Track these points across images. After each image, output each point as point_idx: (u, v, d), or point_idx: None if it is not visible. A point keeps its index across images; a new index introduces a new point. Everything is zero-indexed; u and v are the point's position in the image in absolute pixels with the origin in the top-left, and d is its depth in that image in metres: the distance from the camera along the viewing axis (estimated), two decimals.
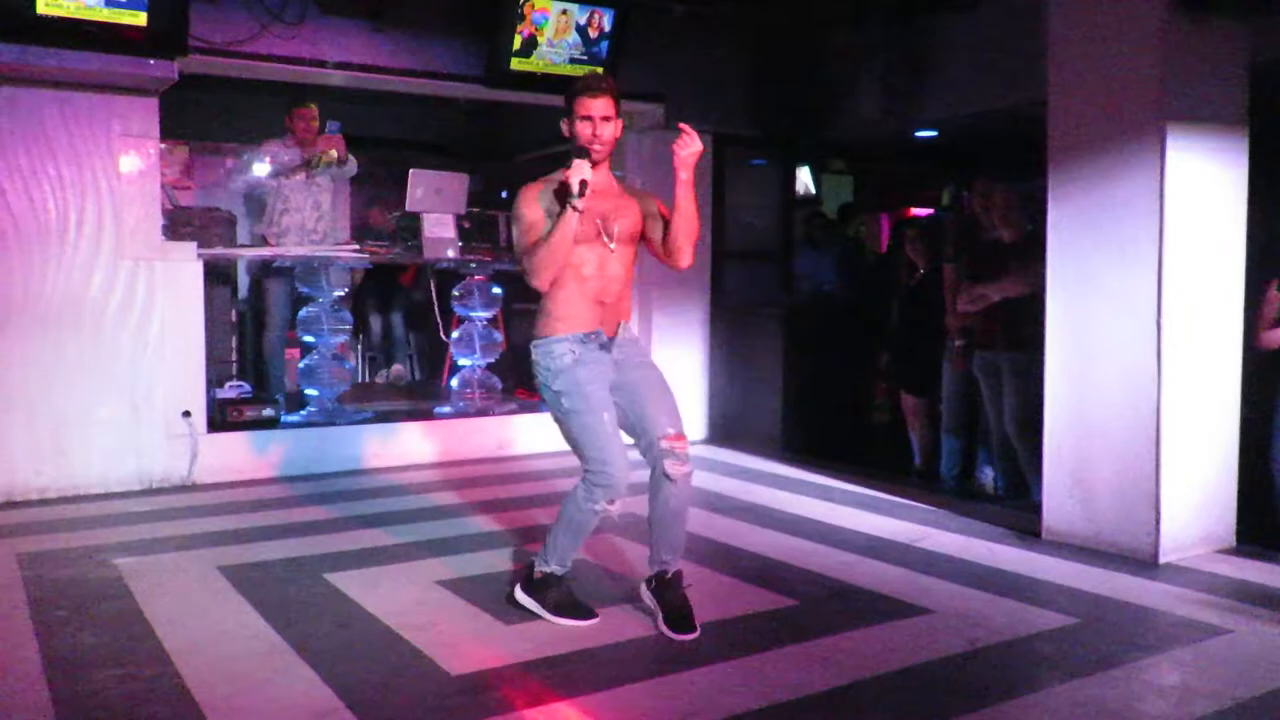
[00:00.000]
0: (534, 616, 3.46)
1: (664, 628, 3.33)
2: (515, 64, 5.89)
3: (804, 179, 8.68)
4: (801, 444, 6.60)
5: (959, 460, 5.76)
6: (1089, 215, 4.25)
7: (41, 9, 4.68)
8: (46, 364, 5.17)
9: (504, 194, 8.78)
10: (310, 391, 6.25)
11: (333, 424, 6.10)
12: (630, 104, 6.60)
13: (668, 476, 3.30)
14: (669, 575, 3.41)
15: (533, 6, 5.83)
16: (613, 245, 3.34)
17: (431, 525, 4.69)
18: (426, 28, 5.82)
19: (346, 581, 3.83)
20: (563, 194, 3.26)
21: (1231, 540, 4.29)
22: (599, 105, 3.28)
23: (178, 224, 5.85)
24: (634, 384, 3.39)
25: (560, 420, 3.36)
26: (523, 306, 7.82)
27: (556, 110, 6.65)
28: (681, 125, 3.35)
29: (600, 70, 6.06)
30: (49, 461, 5.17)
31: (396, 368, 8.15)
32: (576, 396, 3.29)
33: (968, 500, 5.23)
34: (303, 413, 6.20)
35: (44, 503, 5.08)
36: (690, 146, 3.31)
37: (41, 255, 5.17)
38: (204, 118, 7.56)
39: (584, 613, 3.43)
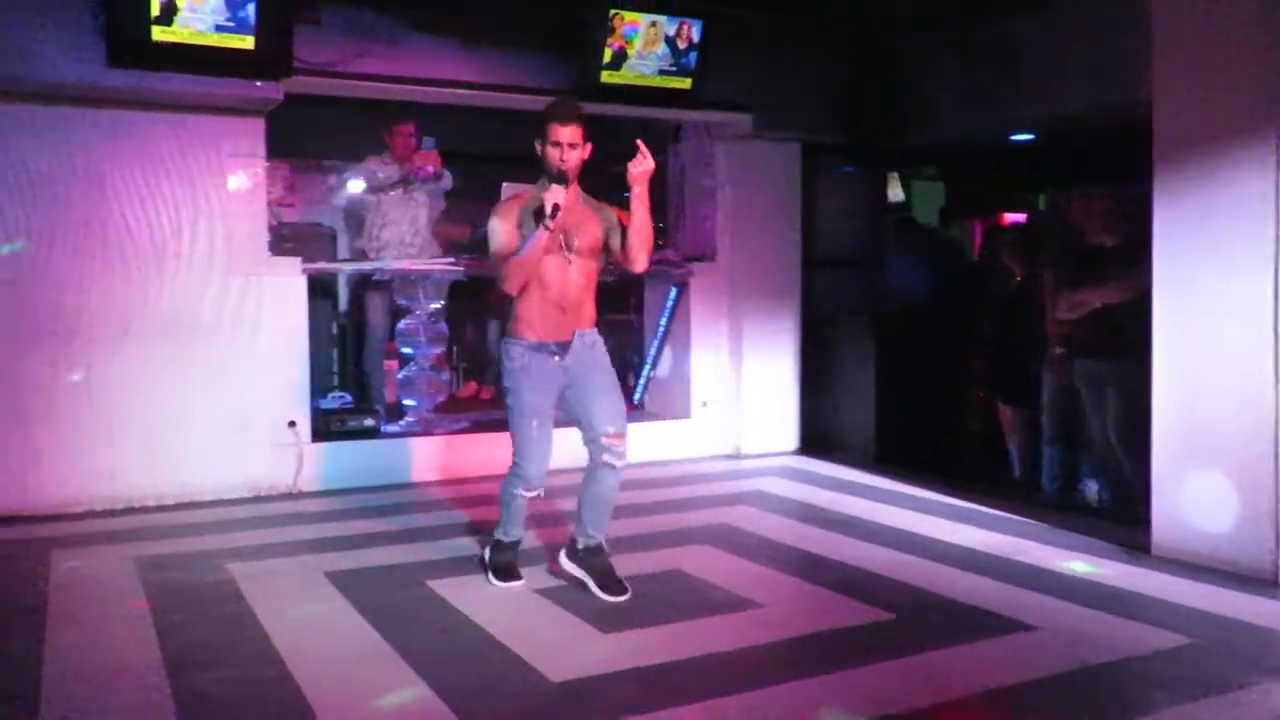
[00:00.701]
0: (626, 626, 3.49)
1: (598, 592, 3.77)
2: (606, 77, 5.95)
3: (894, 186, 8.57)
4: (894, 455, 6.51)
5: (1060, 472, 5.62)
6: (1197, 218, 4.11)
7: (157, 36, 4.90)
8: (162, 375, 5.39)
9: None
10: (408, 402, 6.39)
11: (430, 433, 6.23)
12: (718, 114, 6.62)
13: (607, 465, 3.81)
14: (595, 544, 3.86)
15: (622, 19, 5.88)
16: (570, 257, 3.73)
17: (528, 533, 4.74)
18: (518, 44, 5.92)
19: (447, 588, 3.92)
20: (538, 213, 3.64)
21: None
22: (568, 133, 3.68)
23: (282, 240, 6.05)
24: (586, 386, 3.81)
25: (507, 410, 3.85)
26: (615, 317, 7.88)
27: (646, 121, 6.75)
28: (638, 142, 3.73)
29: (689, 80, 6.10)
30: (164, 469, 5.39)
31: (470, 384, 8.24)
32: (515, 397, 3.79)
33: (1070, 513, 5.09)
34: (401, 423, 6.35)
35: (160, 509, 5.29)
36: (642, 165, 3.66)
37: (157, 272, 5.40)
38: (305, 136, 7.79)
39: (512, 576, 3.96)
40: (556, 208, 3.59)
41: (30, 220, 5.13)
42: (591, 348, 3.85)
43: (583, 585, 3.84)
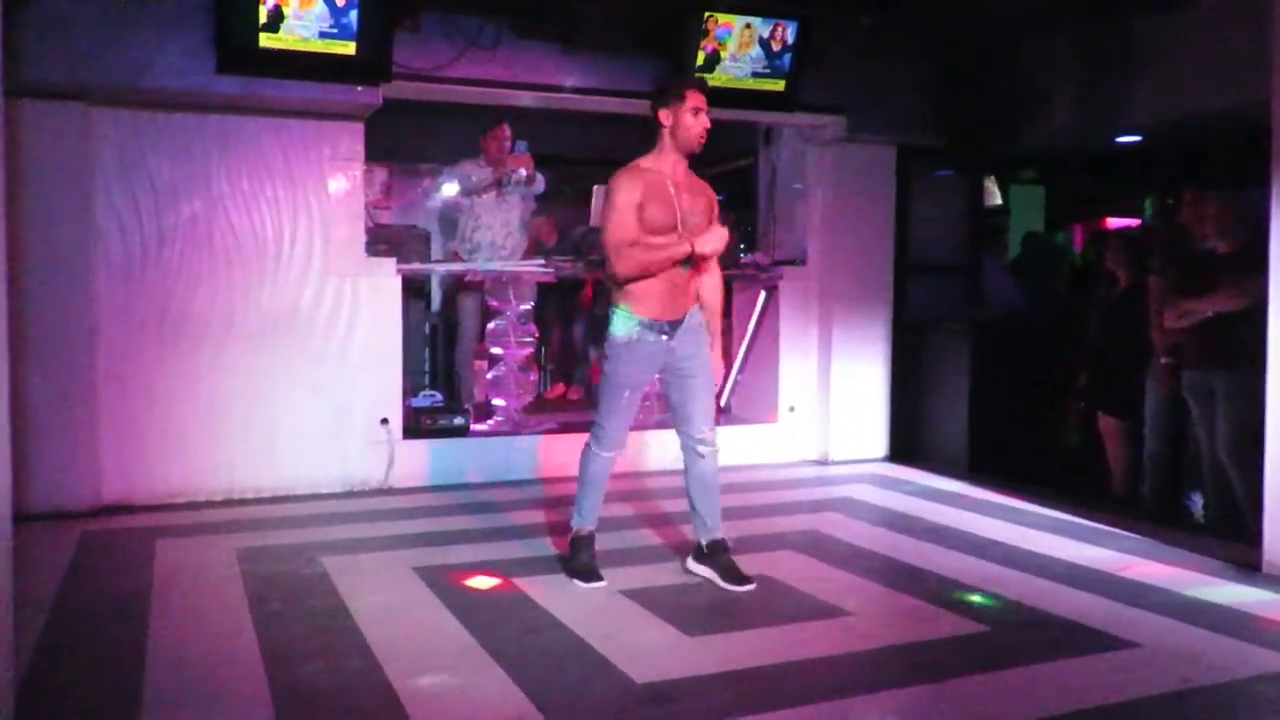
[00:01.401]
0: (714, 629, 3.47)
1: (725, 585, 3.86)
2: None
3: (992, 191, 8.37)
4: (988, 464, 6.34)
5: (1163, 486, 5.41)
6: None
7: (264, 43, 5.06)
8: (262, 372, 5.56)
9: None
10: (497, 401, 6.47)
11: (518, 433, 6.30)
12: (811, 116, 6.55)
13: (699, 454, 3.94)
14: (716, 540, 3.96)
15: (716, 22, 5.86)
16: (683, 234, 3.74)
17: (613, 535, 4.74)
18: (614, 48, 5.95)
19: (532, 586, 3.95)
20: (664, 180, 3.75)
21: None
22: (705, 101, 3.74)
23: (378, 241, 6.19)
24: (686, 376, 3.89)
25: (602, 374, 3.95)
26: None
27: (736, 124, 6.72)
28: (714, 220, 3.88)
29: (784, 82, 6.05)
30: (263, 463, 5.56)
31: (558, 386, 8.31)
32: (613, 367, 3.85)
33: (1174, 529, 4.90)
34: (490, 422, 6.43)
35: (258, 501, 5.46)
36: (713, 243, 3.76)
37: (259, 271, 5.57)
38: (402, 139, 7.96)
39: (593, 577, 3.95)
40: (715, 252, 3.80)
41: (142, 221, 5.34)
42: (698, 329, 3.91)
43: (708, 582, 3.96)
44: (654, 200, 3.73)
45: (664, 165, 3.82)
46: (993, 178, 8.36)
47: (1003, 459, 6.32)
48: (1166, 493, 5.41)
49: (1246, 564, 4.17)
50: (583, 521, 4.07)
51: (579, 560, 4.02)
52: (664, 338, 3.82)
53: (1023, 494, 5.61)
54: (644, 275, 3.73)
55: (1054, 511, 5.23)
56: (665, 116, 3.77)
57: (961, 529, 4.92)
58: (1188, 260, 5.06)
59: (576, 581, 3.96)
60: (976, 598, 3.88)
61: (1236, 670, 3.12)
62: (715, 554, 3.97)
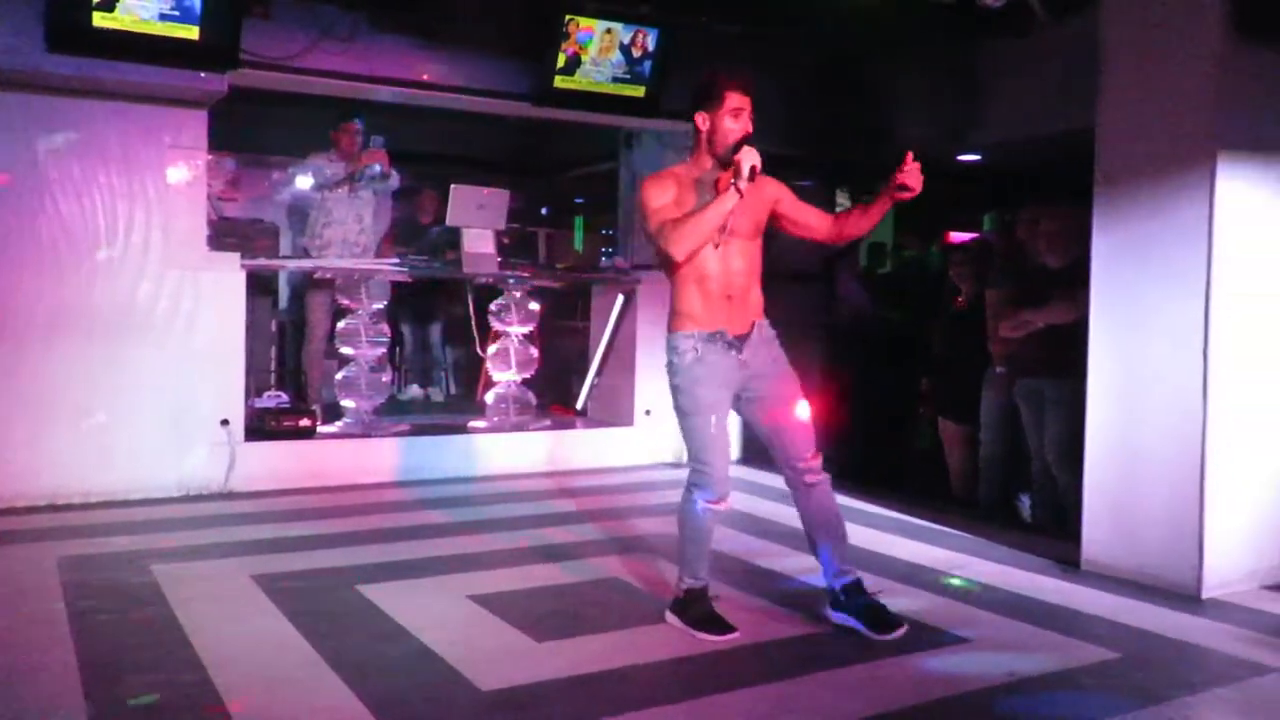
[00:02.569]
0: (564, 634, 3.45)
1: (870, 634, 3.40)
2: (560, 82, 5.93)
3: (843, 202, 8.63)
4: (840, 468, 6.51)
5: (998, 488, 5.68)
6: (1136, 242, 4.19)
7: (98, 22, 4.78)
8: (94, 370, 5.25)
9: (544, 210, 8.83)
10: (347, 403, 6.29)
11: (368, 436, 6.13)
12: (673, 123, 6.60)
13: (809, 484, 3.48)
14: (852, 583, 3.50)
15: (577, 25, 5.87)
16: (720, 239, 3.33)
17: (464, 540, 4.69)
18: (475, 46, 5.88)
19: (379, 594, 3.83)
20: (701, 187, 3.36)
21: (1278, 576, 4.18)
22: (748, 102, 3.37)
23: (222, 235, 5.94)
24: (768, 398, 3.44)
25: (676, 413, 3.43)
26: (562, 323, 7.85)
27: (597, 128, 6.71)
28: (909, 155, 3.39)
29: (643, 89, 6.09)
30: (93, 466, 5.24)
31: (413, 388, 8.18)
32: (688, 396, 3.36)
33: (1006, 529, 5.14)
34: (339, 424, 6.25)
35: (86, 507, 5.14)
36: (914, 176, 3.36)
37: (91, 263, 5.26)
38: (250, 130, 7.66)
39: (723, 627, 3.44)
40: (755, 170, 3.25)
41: None
42: (771, 342, 3.50)
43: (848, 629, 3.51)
44: (687, 201, 3.34)
45: (702, 173, 3.43)
46: (845, 189, 8.63)
47: (854, 462, 6.53)
48: (1000, 494, 5.68)
49: (1069, 561, 4.41)
50: (695, 581, 3.50)
51: (698, 610, 3.48)
52: (733, 352, 3.37)
53: (870, 497, 5.79)
54: (701, 240, 3.26)
55: (898, 513, 5.43)
56: (702, 120, 3.39)
57: None
58: (1023, 274, 5.33)
59: (703, 635, 3.41)
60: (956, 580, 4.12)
61: (1059, 662, 3.29)
62: (852, 596, 3.49)
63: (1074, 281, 4.83)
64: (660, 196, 3.35)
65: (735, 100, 3.35)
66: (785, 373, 3.50)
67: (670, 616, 3.54)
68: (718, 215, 3.26)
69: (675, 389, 3.40)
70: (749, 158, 3.25)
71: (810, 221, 3.58)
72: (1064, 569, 4.36)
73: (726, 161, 3.34)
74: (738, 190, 3.23)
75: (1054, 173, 6.89)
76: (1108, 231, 4.29)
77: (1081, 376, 4.44)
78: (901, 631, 3.41)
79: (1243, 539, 4.08)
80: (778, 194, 3.54)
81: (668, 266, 3.41)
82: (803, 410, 3.49)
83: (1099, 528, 4.31)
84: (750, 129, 3.36)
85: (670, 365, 3.41)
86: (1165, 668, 3.25)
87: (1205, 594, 3.94)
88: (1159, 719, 2.87)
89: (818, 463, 3.49)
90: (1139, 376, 4.18)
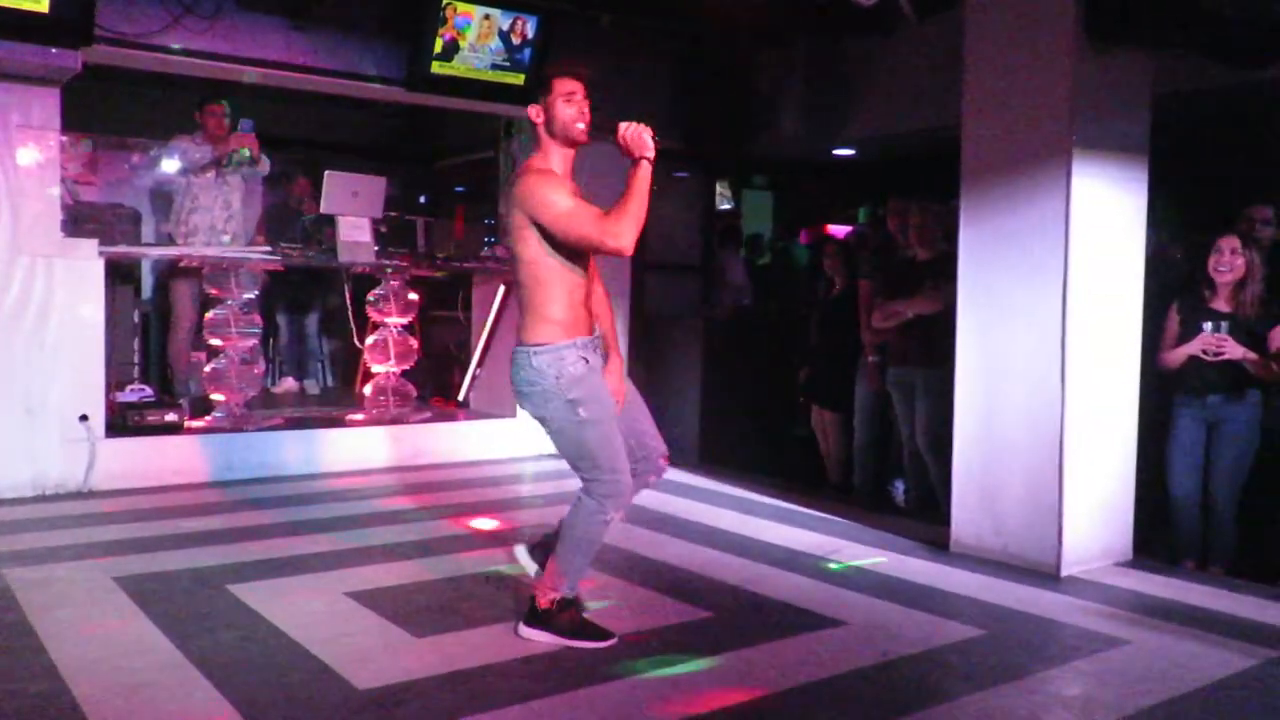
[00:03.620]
0: (443, 629, 3.40)
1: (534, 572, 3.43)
2: (436, 68, 5.81)
3: (723, 194, 8.76)
4: (719, 456, 6.63)
5: (871, 474, 5.85)
6: (999, 237, 4.36)
7: None
8: None
9: (422, 199, 8.66)
10: (217, 396, 6.05)
11: (240, 430, 5.92)
12: None
13: (660, 470, 3.46)
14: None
15: (455, 10, 5.76)
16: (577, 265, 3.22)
17: (340, 535, 4.57)
18: (348, 28, 5.71)
19: (251, 593, 3.71)
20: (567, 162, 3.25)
21: (1129, 554, 4.42)
22: (580, 86, 3.23)
23: (79, 220, 5.63)
24: (627, 395, 3.36)
25: (569, 430, 3.18)
26: (440, 313, 7.73)
27: (477, 116, 6.62)
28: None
29: (523, 76, 6.03)
30: None
31: (288, 380, 7.94)
32: (595, 405, 3.17)
33: (880, 513, 5.30)
34: (208, 418, 6.01)
35: None
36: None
37: None
38: (110, 111, 7.30)
39: (601, 634, 3.31)
40: (653, 134, 3.12)
41: None
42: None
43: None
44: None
45: (558, 166, 3.26)
46: (726, 182, 8.74)
47: (732, 450, 6.63)
48: (873, 480, 5.85)
49: (939, 544, 4.58)
50: (570, 591, 3.33)
51: (571, 619, 3.31)
52: (599, 355, 3.28)
53: (749, 484, 5.90)
54: (643, 221, 3.11)
55: (775, 500, 5.53)
56: (535, 113, 3.25)
57: (690, 519, 5.10)
58: (893, 266, 5.50)
59: (585, 644, 3.26)
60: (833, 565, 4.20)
61: (929, 641, 3.41)
62: (539, 551, 3.49)
63: (942, 274, 5.00)
64: (564, 194, 3.14)
65: (565, 85, 3.22)
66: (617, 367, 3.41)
67: (530, 631, 3.31)
68: (645, 192, 3.11)
69: (573, 403, 3.13)
70: (642, 128, 3.13)
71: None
72: (934, 551, 4.52)
73: (571, 145, 3.23)
74: (649, 161, 3.10)
75: (925, 167, 7.13)
76: (973, 226, 4.45)
77: (949, 366, 4.61)
78: (611, 641, 3.34)
79: (1098, 519, 4.30)
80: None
81: (536, 281, 3.19)
82: (650, 414, 3.48)
83: (966, 511, 4.49)
84: (586, 111, 3.21)
85: (557, 379, 3.13)
86: (1027, 643, 3.41)
87: (1064, 572, 4.15)
88: (1023, 692, 3.00)
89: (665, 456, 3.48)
90: (1003, 366, 4.35)
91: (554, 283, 3.18)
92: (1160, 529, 4.61)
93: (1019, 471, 4.28)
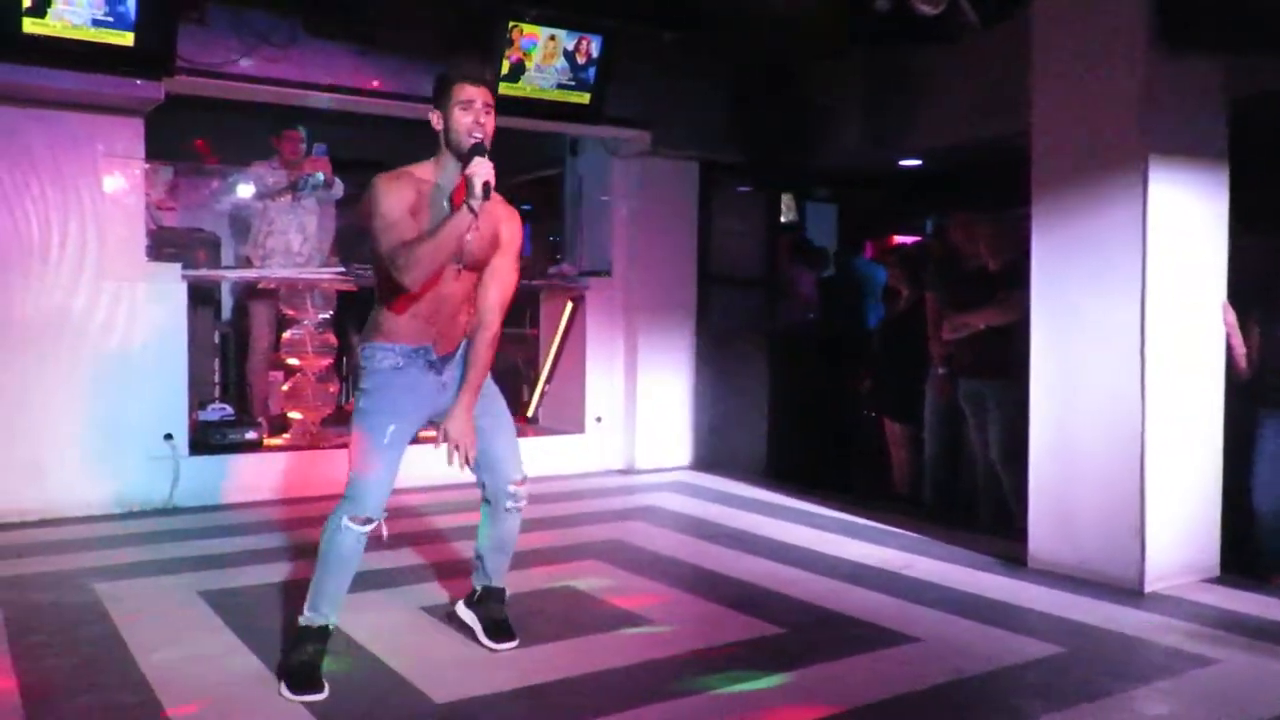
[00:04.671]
0: (520, 644, 3.43)
1: (484, 639, 3.39)
2: (503, 89, 5.89)
3: (787, 207, 8.72)
4: (786, 470, 6.60)
5: (942, 487, 5.77)
6: (1072, 246, 4.28)
7: (29, 28, 4.67)
8: (27, 385, 5.12)
9: None
10: (293, 415, 6.20)
11: (316, 447, 6.05)
12: (617, 130, 6.64)
13: (511, 511, 3.37)
14: (496, 587, 3.48)
15: (521, 32, 5.85)
16: (459, 267, 3.08)
17: (413, 551, 4.65)
18: (415, 52, 5.83)
19: None
20: (455, 194, 3.02)
21: (1216, 569, 4.29)
22: (482, 93, 3.05)
23: (162, 245, 5.82)
24: (479, 419, 3.23)
25: (352, 420, 3.16)
26: (508, 330, 7.79)
27: (541, 135, 6.71)
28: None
29: (588, 95, 6.08)
30: (29, 484, 5.10)
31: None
32: (375, 397, 3.10)
33: (952, 528, 5.23)
34: (286, 436, 6.16)
35: (23, 525, 5.00)
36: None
37: (23, 275, 5.13)
38: (190, 139, 7.54)
39: (310, 687, 2.98)
40: (488, 186, 2.92)
41: None
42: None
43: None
44: (426, 211, 3.03)
45: (441, 177, 3.10)
46: (789, 195, 8.71)
47: (800, 464, 6.59)
48: (944, 494, 5.77)
49: (1014, 559, 4.49)
50: (314, 615, 3.11)
51: (296, 657, 3.06)
52: (434, 373, 3.16)
53: (817, 498, 5.86)
54: (437, 267, 2.97)
55: (844, 514, 5.49)
56: (436, 119, 3.08)
57: (759, 533, 5.08)
58: (962, 277, 5.43)
59: (286, 691, 2.98)
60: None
61: (1005, 658, 3.35)
62: (487, 600, 3.47)
63: (1012, 284, 4.93)
64: (394, 205, 2.99)
65: (463, 93, 3.03)
66: (492, 395, 3.34)
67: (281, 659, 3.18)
68: (451, 238, 2.91)
69: (362, 392, 3.14)
70: (480, 172, 2.91)
71: (492, 284, 3.23)
72: (1009, 567, 4.44)
73: (467, 153, 2.99)
74: (470, 210, 2.90)
75: (991, 176, 7.03)
76: (1045, 234, 4.38)
77: (1022, 377, 4.53)
78: (512, 644, 3.38)
79: (1181, 533, 4.18)
80: (505, 236, 3.21)
81: (386, 280, 3.07)
82: (508, 429, 3.39)
83: (1043, 525, 4.40)
84: (488, 126, 3.04)
85: (363, 370, 3.14)
86: (1108, 662, 3.33)
87: (1147, 588, 4.04)
88: (1105, 712, 2.93)
89: (525, 488, 3.39)
90: (1079, 377, 4.27)
91: (392, 288, 3.05)
92: (1249, 543, 4.47)
93: (1098, 485, 4.19)
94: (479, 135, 3.02)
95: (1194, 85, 4.17)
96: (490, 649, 3.37)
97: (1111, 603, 3.92)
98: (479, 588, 3.50)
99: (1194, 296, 4.21)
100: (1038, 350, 4.43)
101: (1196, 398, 4.22)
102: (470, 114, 3.03)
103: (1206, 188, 4.23)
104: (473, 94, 3.04)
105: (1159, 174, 4.04)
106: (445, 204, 3.06)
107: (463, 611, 3.53)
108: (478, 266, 3.17)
